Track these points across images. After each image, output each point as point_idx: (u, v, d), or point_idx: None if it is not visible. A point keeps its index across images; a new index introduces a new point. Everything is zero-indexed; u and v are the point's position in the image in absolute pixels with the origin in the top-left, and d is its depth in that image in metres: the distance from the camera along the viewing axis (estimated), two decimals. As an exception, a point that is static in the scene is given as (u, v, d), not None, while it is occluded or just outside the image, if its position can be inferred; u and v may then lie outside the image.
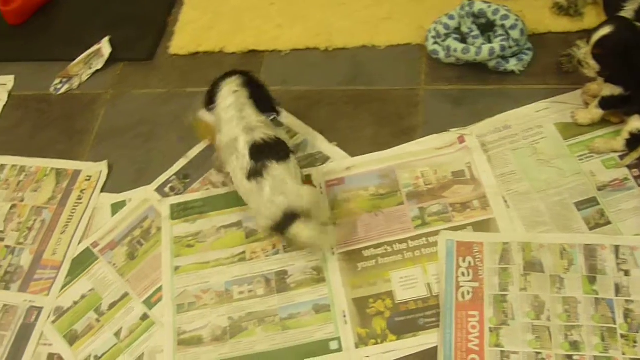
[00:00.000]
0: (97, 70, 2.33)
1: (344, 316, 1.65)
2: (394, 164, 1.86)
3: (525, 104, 1.91)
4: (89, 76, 2.32)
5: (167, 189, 1.94)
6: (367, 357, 1.58)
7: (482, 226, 1.72)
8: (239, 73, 1.81)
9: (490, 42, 2.02)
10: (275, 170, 1.63)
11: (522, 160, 1.82)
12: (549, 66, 1.99)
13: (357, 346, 1.60)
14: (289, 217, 1.60)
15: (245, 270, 1.76)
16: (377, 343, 1.60)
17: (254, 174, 1.63)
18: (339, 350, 1.60)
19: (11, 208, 2.02)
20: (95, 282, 1.81)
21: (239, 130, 1.68)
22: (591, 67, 1.73)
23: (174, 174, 1.97)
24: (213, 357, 1.64)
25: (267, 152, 1.65)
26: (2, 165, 2.13)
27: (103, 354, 1.69)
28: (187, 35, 2.32)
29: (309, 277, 1.72)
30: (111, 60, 2.33)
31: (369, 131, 1.95)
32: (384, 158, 1.87)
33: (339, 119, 1.98)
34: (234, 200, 1.84)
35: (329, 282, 1.70)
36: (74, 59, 2.36)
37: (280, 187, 1.61)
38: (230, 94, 1.74)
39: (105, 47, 2.35)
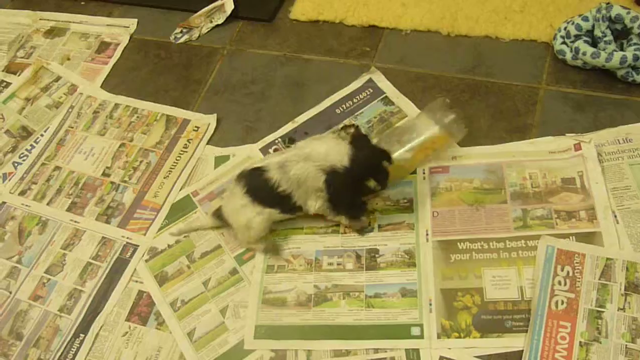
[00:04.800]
0: (218, 25, 2.36)
1: (430, 304, 1.63)
2: (503, 160, 1.82)
3: (651, 119, 1.83)
4: (208, 29, 2.36)
5: (271, 150, 1.96)
6: (449, 348, 1.57)
7: (586, 238, 1.66)
8: None
9: (622, 49, 1.93)
10: None
11: (639, 177, 1.74)
12: (681, 83, 1.89)
13: (439, 336, 1.59)
14: None
15: (337, 242, 1.77)
16: (459, 337, 1.58)
17: None
18: (421, 337, 1.59)
19: (120, 147, 2.09)
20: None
21: None
22: None
23: (280, 137, 1.99)
24: (295, 321, 1.66)
25: None
26: (116, 104, 2.21)
27: (190, 299, 1.74)
28: (309, 2, 2.32)
29: (400, 259, 1.71)
30: (232, 17, 2.36)
31: (482, 123, 1.90)
32: (493, 153, 1.83)
33: (453, 106, 1.93)
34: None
35: (419, 267, 1.68)
36: (197, 11, 2.41)
37: None
38: None
39: (228, 3, 2.38)
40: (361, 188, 1.66)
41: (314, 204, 1.70)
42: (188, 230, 1.86)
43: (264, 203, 1.69)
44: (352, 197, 1.70)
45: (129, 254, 1.85)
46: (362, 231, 1.76)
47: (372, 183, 1.64)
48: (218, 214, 1.80)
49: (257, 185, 1.68)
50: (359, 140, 1.67)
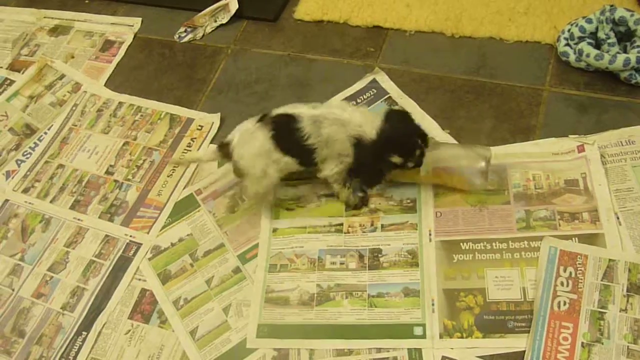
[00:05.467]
0: (222, 25, 2.37)
1: (433, 304, 1.64)
2: (507, 161, 1.82)
3: (654, 121, 1.83)
4: (213, 29, 2.37)
5: (274, 150, 1.96)
6: (452, 348, 1.57)
7: (588, 239, 1.66)
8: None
9: (626, 51, 1.94)
10: None
11: (642, 179, 1.74)
12: (684, 85, 1.89)
13: (441, 336, 1.59)
14: None
15: (340, 241, 1.77)
16: (462, 337, 1.58)
17: None
18: (423, 337, 1.59)
19: (124, 145, 2.09)
20: (194, 228, 1.86)
21: None
22: None
23: (284, 137, 1.99)
24: (297, 320, 1.66)
25: None
26: (120, 102, 2.21)
27: (193, 298, 1.74)
28: (313, 2, 2.33)
29: (403, 259, 1.71)
30: (236, 17, 2.37)
31: (486, 124, 1.91)
32: (497, 154, 1.82)
33: (456, 107, 1.94)
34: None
35: (422, 267, 1.69)
36: (201, 10, 2.42)
37: None
38: None
39: (233, 2, 2.38)
40: (385, 162, 1.66)
41: (332, 168, 1.70)
42: (186, 161, 1.90)
43: (287, 151, 1.68)
44: (374, 168, 1.70)
45: (132, 252, 1.85)
46: (351, 206, 1.80)
47: (396, 159, 1.64)
48: (224, 151, 1.74)
49: (285, 132, 1.66)
50: (395, 115, 1.67)
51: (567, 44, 2.00)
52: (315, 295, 1.70)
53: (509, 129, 1.88)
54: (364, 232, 1.77)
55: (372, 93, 2.04)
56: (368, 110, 1.71)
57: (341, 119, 1.64)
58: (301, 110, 1.67)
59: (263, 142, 1.67)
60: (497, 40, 2.11)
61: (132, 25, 2.45)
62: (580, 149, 1.80)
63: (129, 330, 1.73)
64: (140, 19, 2.47)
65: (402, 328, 1.61)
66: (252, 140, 1.69)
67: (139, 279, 1.81)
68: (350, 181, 1.78)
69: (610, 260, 1.63)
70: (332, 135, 1.65)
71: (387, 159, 1.65)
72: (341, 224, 1.79)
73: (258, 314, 1.69)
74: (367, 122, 1.64)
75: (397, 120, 1.67)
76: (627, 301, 1.57)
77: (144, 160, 2.04)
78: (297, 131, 1.65)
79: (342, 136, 1.64)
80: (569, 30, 2.01)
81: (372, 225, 1.78)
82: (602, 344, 1.52)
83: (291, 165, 1.71)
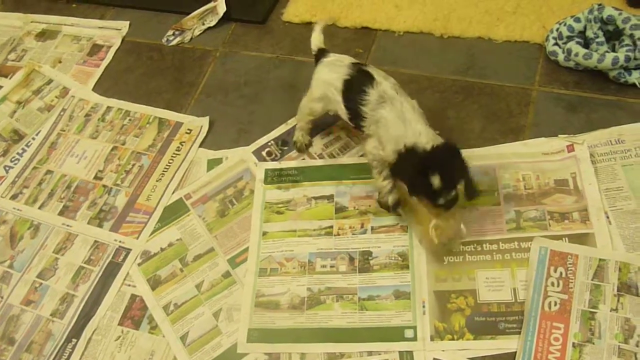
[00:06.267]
0: (210, 27, 2.36)
1: (423, 306, 1.63)
2: (497, 162, 1.81)
3: (643, 120, 1.83)
4: (201, 32, 2.36)
5: (264, 153, 1.96)
6: (443, 350, 1.56)
7: (579, 239, 1.66)
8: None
9: (614, 50, 1.93)
10: None
11: (631, 178, 1.74)
12: (673, 84, 1.89)
13: (432, 338, 1.58)
14: None
15: (331, 244, 1.76)
16: (453, 339, 1.58)
17: None
18: (414, 339, 1.59)
19: (112, 149, 2.08)
20: (183, 233, 1.85)
21: None
22: None
23: (273, 139, 1.99)
24: (288, 324, 1.65)
25: None
26: (108, 107, 2.20)
27: (183, 303, 1.73)
28: (302, 4, 2.32)
29: (394, 261, 1.70)
30: (224, 19, 2.36)
31: (475, 124, 1.90)
32: (487, 155, 1.83)
33: (446, 108, 1.94)
34: (329, 172, 1.85)
35: (412, 270, 1.68)
36: (189, 13, 2.41)
37: None
38: None
39: (220, 5, 2.37)
40: (421, 180, 1.54)
41: (374, 146, 1.68)
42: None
43: (347, 101, 1.71)
44: (408, 178, 1.61)
45: (121, 257, 1.84)
46: (380, 202, 1.77)
47: (436, 181, 1.51)
48: (317, 55, 1.85)
49: (356, 85, 1.69)
50: (454, 147, 1.60)
51: (556, 43, 2.00)
52: (306, 298, 1.69)
53: (498, 129, 1.88)
54: (354, 234, 1.77)
55: (361, 95, 2.03)
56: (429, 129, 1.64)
57: (404, 117, 1.61)
58: (380, 78, 1.68)
59: (337, 78, 1.73)
60: (486, 40, 2.10)
61: (120, 29, 2.44)
62: (570, 148, 1.80)
63: (119, 337, 1.72)
64: (128, 22, 2.46)
65: (393, 331, 1.61)
66: (334, 69, 1.76)
67: (129, 285, 1.80)
68: (390, 176, 1.71)
69: (600, 259, 1.62)
70: (387, 121, 1.63)
71: (427, 177, 1.52)
72: (331, 227, 1.79)
73: (248, 319, 1.68)
74: (428, 134, 1.59)
75: (456, 151, 1.59)
76: (618, 301, 1.56)
77: (133, 165, 2.03)
78: (362, 92, 1.66)
79: (394, 129, 1.61)
80: (557, 30, 2.01)
81: (362, 227, 1.77)
82: (594, 343, 1.52)
83: (343, 114, 1.75)
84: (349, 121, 1.75)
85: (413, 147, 1.56)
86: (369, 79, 1.67)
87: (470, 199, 1.63)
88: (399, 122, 1.61)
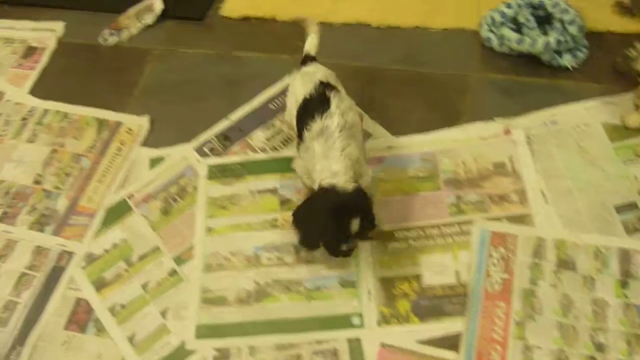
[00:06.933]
0: (148, 26, 2.34)
1: (369, 293, 1.65)
2: (437, 148, 1.85)
3: (575, 101, 1.88)
4: (138, 30, 2.33)
5: (206, 149, 1.95)
6: (390, 335, 1.58)
7: (518, 220, 1.71)
8: None
9: (546, 34, 1.98)
10: None
11: (566, 158, 1.79)
12: (603, 65, 1.96)
13: (379, 324, 1.60)
14: None
15: (276, 237, 1.77)
16: (399, 323, 1.60)
17: None
18: (361, 326, 1.61)
19: (51, 152, 2.04)
20: (127, 233, 1.83)
21: None
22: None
23: (215, 135, 1.98)
24: (236, 318, 1.65)
25: None
26: (45, 110, 2.16)
27: (129, 303, 1.71)
28: (239, -1, 2.32)
29: (339, 251, 1.72)
30: (162, 17, 2.34)
31: (416, 113, 1.93)
32: (427, 141, 1.86)
33: (387, 97, 1.96)
34: (272, 165, 1.86)
35: (357, 258, 1.70)
36: (125, 12, 2.37)
37: None
38: None
39: (157, 2, 2.35)
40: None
41: (298, 166, 1.70)
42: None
43: (298, 116, 1.68)
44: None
45: (64, 261, 1.81)
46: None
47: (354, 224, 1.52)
48: (306, 57, 1.82)
49: (310, 107, 1.64)
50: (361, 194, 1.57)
51: (490, 30, 2.04)
52: (253, 292, 1.69)
53: (438, 117, 1.91)
54: (299, 226, 1.77)
55: (301, 87, 2.04)
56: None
57: (330, 153, 1.57)
58: (335, 110, 1.61)
59: (301, 93, 1.69)
60: (424, 29, 2.14)
61: (55, 30, 2.39)
62: (507, 131, 1.85)
63: (65, 342, 1.69)
64: (63, 23, 2.41)
65: (341, 319, 1.62)
66: (304, 82, 1.71)
67: (73, 289, 1.77)
68: None
69: (539, 238, 1.67)
70: (313, 153, 1.59)
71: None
72: (276, 219, 1.79)
73: (196, 315, 1.67)
74: (345, 176, 1.56)
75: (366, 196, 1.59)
76: (557, 277, 1.61)
77: (73, 167, 2.00)
78: (311, 118, 1.61)
79: (318, 163, 1.59)
80: (490, 16, 2.05)
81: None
82: (535, 320, 1.56)
83: (292, 127, 1.75)
84: (294, 132, 1.74)
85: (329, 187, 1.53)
86: (324, 106, 1.62)
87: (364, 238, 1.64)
88: (322, 158, 1.58)
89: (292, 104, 1.74)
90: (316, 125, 1.60)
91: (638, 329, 1.53)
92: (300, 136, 1.66)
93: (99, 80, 2.22)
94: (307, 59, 1.80)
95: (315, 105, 1.63)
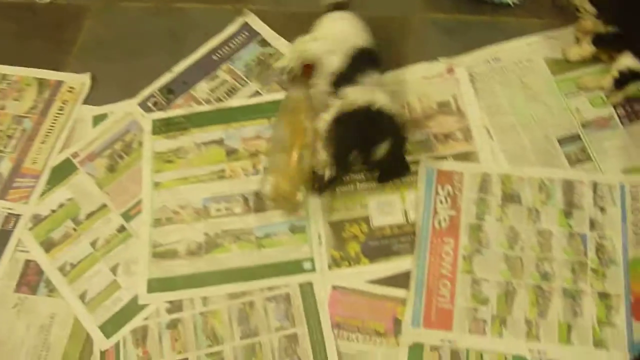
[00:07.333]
0: (85, -19, 2.27)
1: (319, 238, 1.66)
2: (381, 90, 1.84)
3: (517, 37, 1.89)
4: (75, -14, 2.26)
5: (150, 104, 1.92)
6: (341, 277, 1.60)
7: (463, 157, 1.72)
8: None
9: (487, -28, 1.98)
10: None
11: (509, 94, 1.80)
12: (543, 0, 1.95)
13: (330, 267, 1.62)
14: None
15: (224, 188, 1.76)
16: (350, 265, 1.62)
17: None
18: (312, 270, 1.62)
19: (-8, 116, 1.99)
20: (74, 192, 1.81)
21: None
22: (588, 11, 1.71)
23: (158, 89, 1.94)
24: (187, 270, 1.65)
25: None
26: (-17, 73, 2.10)
27: (78, 262, 1.70)
28: (177, -50, 2.25)
29: (288, 198, 1.72)
30: (99, -29, 2.27)
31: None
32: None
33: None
34: (217, 117, 1.84)
35: (306, 204, 1.70)
36: (61, -32, 2.30)
37: None
38: None
39: (93, -43, 2.28)
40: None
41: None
42: None
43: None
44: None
45: (11, 224, 1.78)
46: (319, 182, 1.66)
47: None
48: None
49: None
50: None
51: (431, -30, 2.02)
52: (203, 243, 1.68)
53: (381, 60, 1.89)
54: (246, 175, 1.76)
55: (244, 36, 2.01)
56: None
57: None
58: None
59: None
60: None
61: (-13, -10, 2.31)
62: (450, 70, 1.85)
63: (16, 304, 1.67)
64: (-6, -18, 2.33)
65: (292, 264, 1.63)
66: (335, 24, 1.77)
67: (22, 251, 1.74)
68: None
69: (484, 174, 1.69)
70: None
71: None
72: (223, 170, 1.78)
73: (147, 270, 1.66)
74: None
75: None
76: (503, 211, 1.63)
77: (15, 130, 1.95)
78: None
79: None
80: (431, -44, 2.03)
81: (254, 168, 1.77)
82: (482, 253, 1.58)
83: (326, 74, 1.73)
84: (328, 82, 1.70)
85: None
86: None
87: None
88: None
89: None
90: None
91: (582, 256, 1.56)
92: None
93: (36, 39, 2.15)
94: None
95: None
